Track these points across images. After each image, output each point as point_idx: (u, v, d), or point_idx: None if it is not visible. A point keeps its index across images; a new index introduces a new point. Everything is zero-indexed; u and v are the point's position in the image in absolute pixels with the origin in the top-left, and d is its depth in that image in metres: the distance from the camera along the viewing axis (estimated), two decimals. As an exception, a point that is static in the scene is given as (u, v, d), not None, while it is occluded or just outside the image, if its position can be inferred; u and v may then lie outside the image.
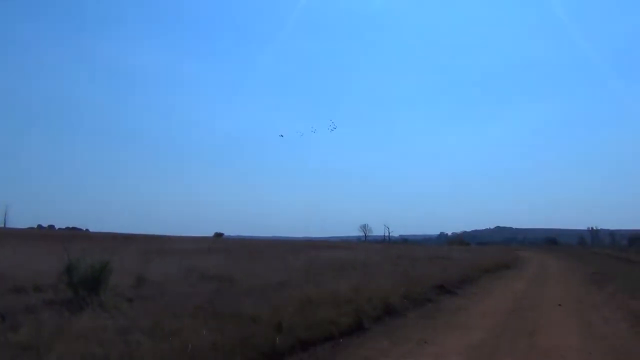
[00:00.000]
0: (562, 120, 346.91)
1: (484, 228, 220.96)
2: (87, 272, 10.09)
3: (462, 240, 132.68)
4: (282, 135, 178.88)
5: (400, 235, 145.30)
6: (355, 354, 7.70)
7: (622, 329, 9.95)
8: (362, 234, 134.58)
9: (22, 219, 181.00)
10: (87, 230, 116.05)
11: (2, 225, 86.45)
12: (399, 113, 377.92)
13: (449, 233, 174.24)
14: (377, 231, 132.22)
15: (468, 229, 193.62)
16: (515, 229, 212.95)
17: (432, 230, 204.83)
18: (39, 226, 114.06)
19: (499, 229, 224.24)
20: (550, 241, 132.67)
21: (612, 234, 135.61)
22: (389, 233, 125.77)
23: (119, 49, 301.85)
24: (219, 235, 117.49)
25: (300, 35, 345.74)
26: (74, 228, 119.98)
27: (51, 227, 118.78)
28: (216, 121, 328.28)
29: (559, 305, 13.34)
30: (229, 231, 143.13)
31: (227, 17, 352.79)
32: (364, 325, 9.56)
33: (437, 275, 18.01)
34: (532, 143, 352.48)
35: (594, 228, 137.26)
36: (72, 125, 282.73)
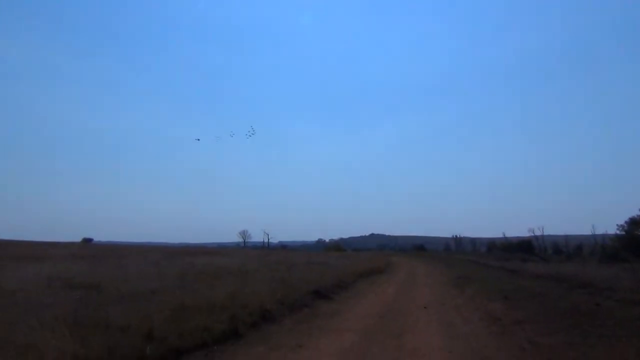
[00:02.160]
0: (430, 133, 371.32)
1: (359, 235, 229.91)
2: None
3: (339, 246, 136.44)
4: (198, 139, 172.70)
5: (279, 242, 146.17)
6: (229, 362, 7.57)
7: (479, 327, 10.81)
8: (241, 240, 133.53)
9: None
10: None
11: None
12: (280, 120, 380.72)
13: (327, 240, 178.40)
14: (257, 237, 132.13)
15: (345, 236, 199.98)
16: (388, 235, 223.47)
17: (311, 237, 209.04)
18: None
19: (373, 236, 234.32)
20: (419, 248, 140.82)
21: (473, 241, 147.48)
22: (268, 239, 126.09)
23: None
24: (87, 240, 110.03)
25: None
26: None
27: None
28: (89, 120, 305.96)
29: (425, 307, 14.21)
30: (99, 237, 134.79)
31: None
32: (239, 332, 9.42)
33: (314, 280, 18.29)
34: (402, 154, 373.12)
35: (458, 236, 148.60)
36: None
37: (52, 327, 7.58)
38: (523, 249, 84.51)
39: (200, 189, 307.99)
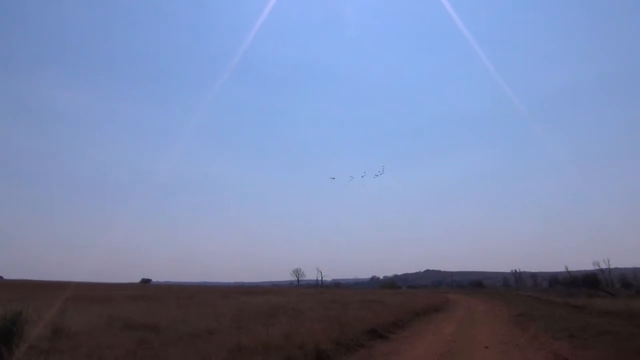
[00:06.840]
0: (489, 169, 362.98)
1: (414, 271, 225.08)
2: (-3, 323, 9.31)
3: (394, 283, 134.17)
4: (333, 178, 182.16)
5: (332, 280, 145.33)
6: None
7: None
8: (294, 278, 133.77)
9: None
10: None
11: None
12: (331, 160, 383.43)
13: (381, 277, 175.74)
14: (310, 276, 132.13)
15: (399, 273, 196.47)
16: (444, 272, 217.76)
17: (364, 274, 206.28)
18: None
19: (428, 272, 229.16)
20: (476, 284, 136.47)
21: (534, 276, 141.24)
22: (322, 277, 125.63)
23: (53, 91, 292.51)
24: (146, 281, 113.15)
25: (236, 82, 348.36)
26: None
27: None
28: (146, 164, 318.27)
29: (486, 347, 13.65)
30: (157, 277, 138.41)
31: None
32: (295, 373, 9.34)
33: (369, 319, 18.02)
34: (459, 191, 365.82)
35: (517, 271, 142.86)
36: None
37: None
38: (588, 284, 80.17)
39: (253, 229, 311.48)
